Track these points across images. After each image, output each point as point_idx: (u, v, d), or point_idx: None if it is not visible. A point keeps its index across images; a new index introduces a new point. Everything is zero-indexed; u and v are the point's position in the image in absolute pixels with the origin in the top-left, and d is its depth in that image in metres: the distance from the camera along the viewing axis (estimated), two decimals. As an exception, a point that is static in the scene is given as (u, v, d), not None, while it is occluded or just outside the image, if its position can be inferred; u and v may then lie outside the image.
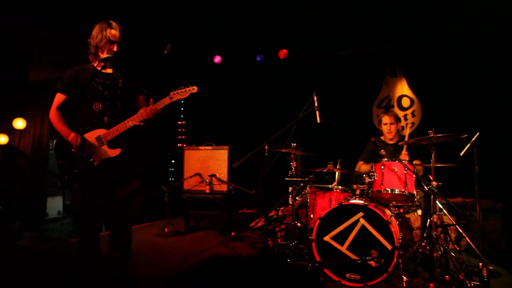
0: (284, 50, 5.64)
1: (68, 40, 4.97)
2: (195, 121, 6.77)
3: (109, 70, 2.67)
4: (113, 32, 2.58)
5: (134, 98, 2.70)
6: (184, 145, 5.96)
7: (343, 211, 3.13)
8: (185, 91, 2.46)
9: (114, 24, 2.60)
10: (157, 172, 6.41)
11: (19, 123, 6.56)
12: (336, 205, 3.20)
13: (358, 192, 3.42)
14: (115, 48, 2.56)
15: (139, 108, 2.66)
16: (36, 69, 6.03)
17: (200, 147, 5.13)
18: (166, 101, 2.50)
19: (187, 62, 6.09)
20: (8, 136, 6.62)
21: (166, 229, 5.03)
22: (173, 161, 6.76)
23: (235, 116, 6.19)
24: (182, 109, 6.92)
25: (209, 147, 5.06)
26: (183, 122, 7.02)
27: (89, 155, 2.49)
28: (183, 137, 6.96)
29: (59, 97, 2.66)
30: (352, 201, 3.18)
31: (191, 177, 5.00)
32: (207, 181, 4.89)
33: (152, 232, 5.05)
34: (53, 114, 2.65)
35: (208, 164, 4.99)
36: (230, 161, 4.88)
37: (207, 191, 4.88)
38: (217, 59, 6.03)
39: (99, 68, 2.56)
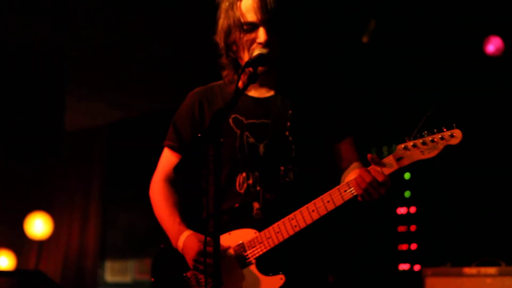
0: None
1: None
2: (439, 205, 6.31)
3: (266, 92, 2.84)
4: (249, 3, 2.67)
5: (326, 150, 2.86)
6: (419, 266, 6.03)
7: None
8: (434, 141, 2.49)
9: None
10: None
11: (39, 225, 7.10)
12: None
13: None
14: (262, 39, 2.63)
15: (343, 170, 2.81)
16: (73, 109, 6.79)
17: (467, 270, 4.90)
18: (387, 166, 2.55)
19: (415, 57, 6.04)
20: (16, 254, 7.13)
21: None
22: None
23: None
24: (406, 176, 6.55)
25: (492, 270, 4.84)
26: (409, 210, 6.49)
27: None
28: (412, 245, 6.35)
29: (169, 158, 2.91)
30: None
31: None
32: None
33: None
34: (156, 191, 2.90)
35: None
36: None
37: None
38: (493, 46, 5.98)
39: (246, 91, 2.77)
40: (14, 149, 6.41)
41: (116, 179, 7.42)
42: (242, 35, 2.69)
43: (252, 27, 2.67)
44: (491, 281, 4.77)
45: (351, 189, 2.55)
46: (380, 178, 2.46)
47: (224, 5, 2.76)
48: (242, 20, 2.67)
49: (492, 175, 6.01)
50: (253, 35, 2.67)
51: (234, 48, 2.74)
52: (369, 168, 2.50)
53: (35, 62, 6.10)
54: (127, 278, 7.75)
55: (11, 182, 7.52)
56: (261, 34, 2.65)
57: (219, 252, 2.30)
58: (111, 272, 8.21)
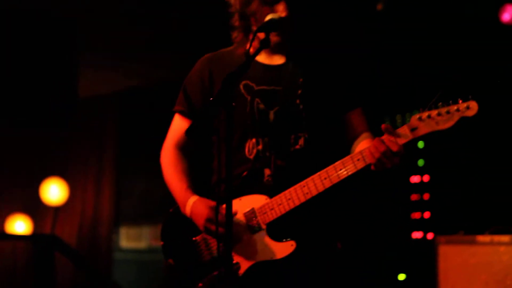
0: None
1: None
2: (452, 174, 6.24)
3: (277, 59, 2.86)
4: None
5: (336, 119, 2.89)
6: (432, 234, 6.12)
7: None
8: (449, 112, 2.52)
9: None
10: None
11: (54, 191, 7.18)
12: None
13: None
14: (283, 12, 2.65)
15: (352, 140, 2.86)
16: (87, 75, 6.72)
17: (481, 238, 4.95)
18: (402, 136, 2.59)
19: (433, 24, 6.05)
20: (32, 219, 7.23)
21: None
22: (402, 276, 6.50)
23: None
24: (419, 144, 6.60)
25: (506, 238, 4.87)
26: (423, 179, 6.54)
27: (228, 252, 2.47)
28: (425, 214, 6.43)
29: (179, 124, 2.94)
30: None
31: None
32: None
33: None
34: (166, 157, 2.94)
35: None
36: None
37: None
38: (509, 15, 5.98)
39: (257, 58, 2.74)
40: (28, 116, 6.35)
41: (130, 146, 7.38)
42: (261, 7, 2.69)
43: (273, 0, 2.68)
44: (504, 249, 4.76)
45: (364, 157, 2.56)
46: (394, 148, 2.48)
47: None
48: None
49: (506, 145, 6.06)
50: (272, 8, 2.67)
51: (252, 19, 2.74)
52: (382, 137, 2.52)
53: (47, 29, 6.08)
54: (142, 244, 7.78)
55: (26, 148, 7.55)
56: (281, 9, 2.66)
57: (231, 218, 2.31)
58: (126, 238, 8.21)
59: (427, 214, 6.44)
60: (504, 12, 5.86)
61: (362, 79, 2.99)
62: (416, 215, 6.47)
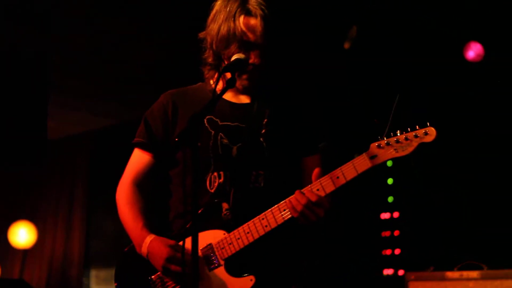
0: None
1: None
2: (422, 210, 6.30)
3: (243, 99, 2.92)
4: (253, 23, 2.73)
5: (296, 160, 2.93)
6: (402, 271, 6.08)
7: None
8: (407, 139, 2.51)
9: (253, 3, 2.75)
10: None
11: (22, 235, 7.19)
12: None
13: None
14: (256, 59, 2.71)
15: (304, 186, 2.73)
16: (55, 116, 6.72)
17: (450, 274, 4.98)
18: (361, 164, 2.56)
19: (393, 63, 6.09)
20: (0, 262, 7.23)
21: None
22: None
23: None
24: (389, 181, 6.62)
25: (474, 273, 4.92)
26: (392, 215, 6.54)
27: None
28: (396, 251, 6.44)
29: (138, 158, 2.92)
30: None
31: None
32: None
33: None
34: (123, 193, 2.90)
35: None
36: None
37: None
38: (473, 52, 6.11)
39: (223, 96, 2.77)
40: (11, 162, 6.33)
41: (100, 187, 7.30)
42: (236, 47, 2.73)
43: (249, 46, 2.72)
44: (474, 285, 4.82)
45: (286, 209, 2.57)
46: (313, 198, 2.49)
47: (226, 8, 2.77)
48: (244, 37, 2.71)
49: (475, 179, 6.03)
50: (247, 52, 2.73)
51: (222, 55, 2.78)
52: (303, 189, 2.54)
53: (16, 69, 6.01)
54: (113, 287, 7.75)
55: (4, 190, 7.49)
56: (255, 56, 2.73)
57: (197, 254, 2.29)
58: (96, 281, 8.14)
59: (397, 251, 6.44)
60: (468, 49, 5.95)
61: (322, 126, 3.00)
62: (387, 252, 6.50)
